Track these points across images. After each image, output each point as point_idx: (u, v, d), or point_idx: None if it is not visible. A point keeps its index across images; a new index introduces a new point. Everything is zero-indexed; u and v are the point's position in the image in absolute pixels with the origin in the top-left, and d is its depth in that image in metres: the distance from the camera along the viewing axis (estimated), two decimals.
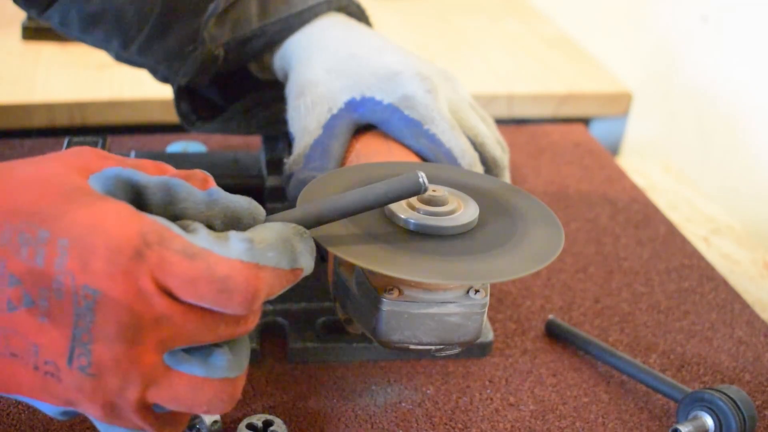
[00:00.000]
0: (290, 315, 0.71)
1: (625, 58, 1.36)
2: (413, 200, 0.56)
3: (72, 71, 1.16)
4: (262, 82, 0.81)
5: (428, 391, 0.67)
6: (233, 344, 0.48)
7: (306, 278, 0.72)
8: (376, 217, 0.56)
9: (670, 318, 0.78)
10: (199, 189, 0.49)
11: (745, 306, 0.80)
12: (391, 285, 0.55)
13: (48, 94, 1.10)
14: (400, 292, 0.55)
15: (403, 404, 0.66)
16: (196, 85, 0.81)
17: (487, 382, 0.69)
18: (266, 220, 0.50)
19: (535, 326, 0.75)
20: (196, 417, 0.60)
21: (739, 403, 0.62)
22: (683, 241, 0.90)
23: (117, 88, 1.12)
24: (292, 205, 0.65)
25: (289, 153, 0.76)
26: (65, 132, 1.05)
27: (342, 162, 0.68)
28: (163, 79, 0.79)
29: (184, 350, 0.46)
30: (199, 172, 0.50)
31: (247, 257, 0.45)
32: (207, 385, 0.46)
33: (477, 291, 0.56)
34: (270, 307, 0.72)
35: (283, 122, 0.74)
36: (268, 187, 0.76)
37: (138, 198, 0.48)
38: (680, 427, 0.62)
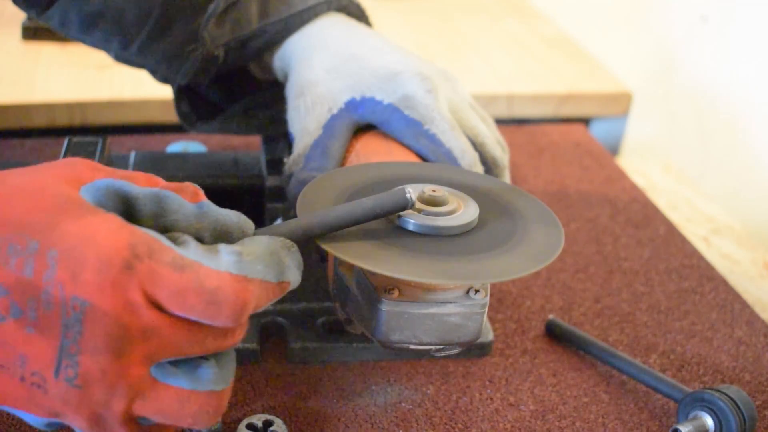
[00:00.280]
0: (290, 315, 0.71)
1: (625, 58, 1.36)
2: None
3: (72, 71, 1.16)
4: (262, 82, 0.81)
5: (428, 391, 0.67)
6: (220, 357, 0.48)
7: (306, 278, 0.72)
8: None
9: (670, 318, 0.78)
10: (189, 202, 0.49)
11: (745, 306, 0.80)
12: (391, 285, 0.55)
13: (48, 94, 1.10)
14: (400, 292, 0.55)
15: (403, 404, 0.66)
16: (196, 86, 0.81)
17: (487, 382, 0.69)
18: (254, 234, 0.50)
19: (535, 326, 0.75)
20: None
21: (739, 403, 0.62)
22: (683, 241, 0.90)
23: (117, 88, 1.12)
24: (292, 206, 0.66)
25: (289, 153, 0.76)
26: (65, 132, 1.05)
27: (342, 162, 0.68)
28: (163, 79, 0.79)
29: (170, 363, 0.46)
30: (189, 185, 0.50)
31: (236, 270, 0.45)
32: (193, 397, 0.46)
33: (477, 291, 0.56)
34: (270, 307, 0.72)
35: (283, 122, 0.74)
36: (268, 187, 0.76)
37: (129, 210, 0.48)
38: (680, 427, 0.62)
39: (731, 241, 0.96)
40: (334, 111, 0.68)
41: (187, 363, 0.47)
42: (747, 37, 1.12)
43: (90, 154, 0.73)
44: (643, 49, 1.34)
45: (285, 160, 0.71)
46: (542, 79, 1.24)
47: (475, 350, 0.71)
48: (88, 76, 1.15)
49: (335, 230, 0.53)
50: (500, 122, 0.83)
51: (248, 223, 0.50)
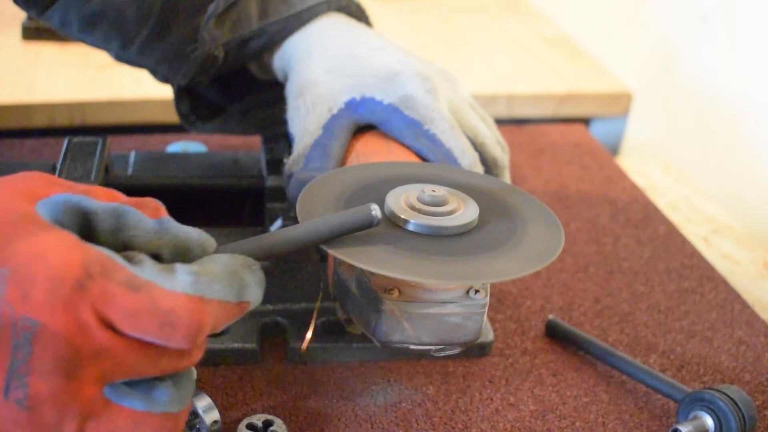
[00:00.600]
0: (290, 315, 0.71)
1: (625, 58, 1.36)
2: (413, 200, 0.56)
3: (72, 71, 1.16)
4: (262, 82, 0.81)
5: (428, 391, 0.67)
6: (177, 378, 0.47)
7: (306, 278, 0.72)
8: None
9: (670, 318, 0.78)
10: (150, 217, 0.48)
11: (745, 306, 0.80)
12: (391, 285, 0.55)
13: (48, 94, 1.10)
14: (400, 292, 0.55)
15: (403, 404, 0.66)
16: (196, 86, 0.81)
17: (487, 382, 0.69)
18: (217, 251, 0.49)
19: (535, 326, 0.75)
20: (195, 417, 0.60)
21: (739, 403, 0.62)
22: (683, 241, 0.90)
23: (117, 88, 1.12)
24: (292, 206, 0.66)
25: (289, 153, 0.76)
26: (65, 132, 1.05)
27: (342, 162, 0.68)
28: (163, 79, 0.79)
29: (125, 383, 0.45)
30: (151, 201, 0.49)
31: (192, 290, 0.44)
32: (148, 419, 0.45)
33: (477, 291, 0.56)
34: (270, 307, 0.72)
35: (282, 122, 0.74)
36: (268, 187, 0.76)
37: (87, 226, 0.47)
38: (680, 427, 0.62)
39: (731, 241, 0.96)
40: (334, 111, 0.68)
41: (143, 383, 0.46)
42: (747, 37, 1.12)
43: (90, 154, 0.73)
44: (643, 49, 1.34)
45: (285, 160, 0.71)
46: (542, 79, 1.24)
47: (475, 350, 0.71)
48: (88, 76, 1.15)
49: (300, 248, 0.52)
50: (500, 122, 0.83)
51: (209, 241, 0.49)
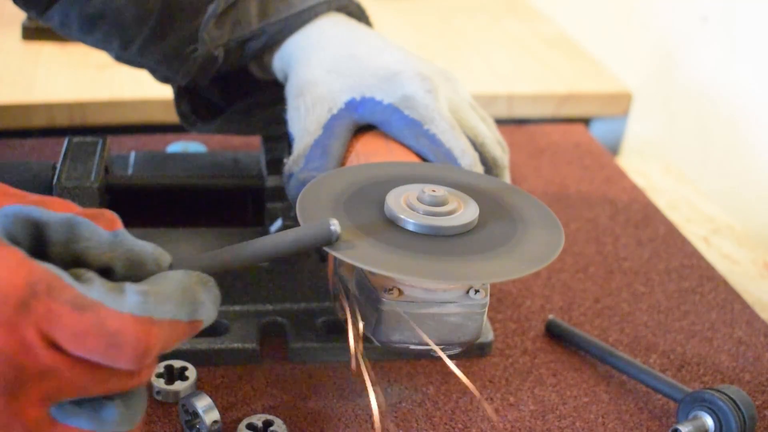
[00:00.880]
0: (290, 315, 0.71)
1: (625, 58, 1.36)
2: (413, 200, 0.56)
3: (72, 71, 1.16)
4: (262, 82, 0.81)
5: (428, 391, 0.67)
6: (126, 396, 0.46)
7: (306, 278, 0.72)
8: (375, 217, 0.56)
9: (670, 318, 0.78)
10: (104, 229, 0.47)
11: (745, 306, 0.80)
12: (391, 285, 0.55)
13: (48, 94, 1.10)
14: (400, 292, 0.55)
15: (403, 404, 0.66)
16: (196, 86, 0.81)
17: (487, 382, 0.69)
18: (173, 266, 0.48)
19: (535, 326, 0.75)
20: (195, 417, 0.60)
21: (739, 403, 0.62)
22: (683, 241, 0.90)
23: (117, 88, 1.12)
24: (292, 205, 0.66)
25: (289, 153, 0.76)
26: (65, 132, 1.05)
27: (342, 162, 0.68)
28: (163, 79, 0.79)
29: (72, 402, 0.44)
30: (107, 212, 0.48)
31: (140, 311, 0.43)
32: None
33: (477, 291, 0.56)
34: (270, 307, 0.72)
35: (283, 122, 0.74)
36: (268, 187, 0.76)
37: (38, 237, 0.46)
38: (680, 427, 0.62)
39: (731, 241, 0.96)
40: (334, 111, 0.68)
41: (91, 402, 0.45)
42: (747, 37, 1.12)
43: (90, 154, 0.73)
44: (643, 49, 1.34)
45: (285, 160, 0.71)
46: (542, 79, 1.24)
47: (475, 350, 0.71)
48: (88, 76, 1.15)
49: (255, 263, 0.51)
50: (500, 122, 0.83)
51: (164, 255, 0.48)
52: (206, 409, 0.60)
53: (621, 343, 0.74)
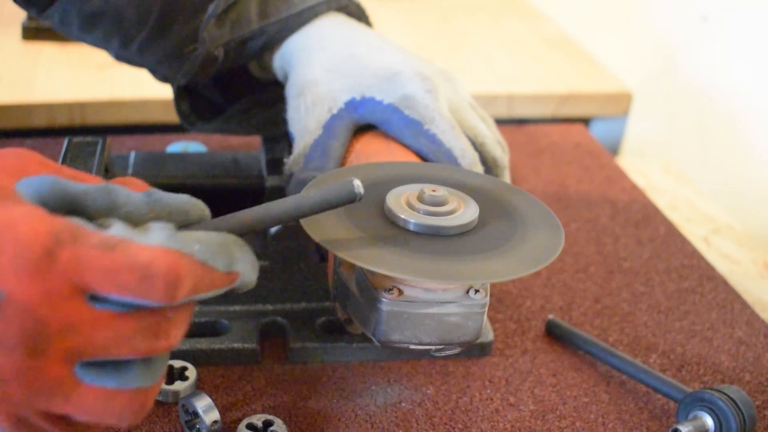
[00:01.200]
0: (290, 315, 0.71)
1: (625, 58, 1.36)
2: (413, 200, 0.56)
3: (72, 71, 1.16)
4: (263, 82, 0.81)
5: (428, 391, 0.67)
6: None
7: (306, 278, 0.72)
8: (375, 217, 0.56)
9: (670, 318, 0.78)
10: (136, 192, 0.48)
11: (745, 306, 0.80)
12: (391, 285, 0.55)
13: (48, 94, 1.10)
14: (400, 292, 0.55)
15: (403, 404, 0.66)
16: (196, 85, 0.81)
17: (487, 382, 0.69)
18: (206, 225, 0.49)
19: (535, 326, 0.75)
20: (195, 417, 0.60)
21: (739, 403, 0.62)
22: (683, 241, 0.90)
23: (117, 88, 1.12)
24: None
25: (289, 153, 0.76)
26: (65, 132, 1.05)
27: (342, 162, 0.68)
28: (163, 78, 0.79)
29: (96, 363, 0.44)
30: (133, 179, 0.49)
31: (168, 243, 0.44)
32: (119, 396, 0.44)
33: (477, 291, 0.56)
34: (270, 307, 0.72)
35: (283, 122, 0.74)
36: (268, 187, 0.76)
37: (76, 209, 0.46)
38: (680, 427, 0.62)
39: (731, 241, 0.96)
40: (334, 111, 0.68)
41: (113, 362, 0.44)
42: (747, 37, 1.12)
43: (90, 154, 0.73)
44: (643, 49, 1.34)
45: (285, 160, 0.71)
46: (542, 79, 1.24)
47: (475, 350, 0.71)
48: (88, 76, 1.15)
49: (280, 223, 0.51)
50: (500, 122, 0.83)
51: (200, 203, 0.50)
52: (206, 409, 0.60)
53: (621, 343, 0.74)
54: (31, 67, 1.17)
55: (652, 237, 0.90)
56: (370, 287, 0.55)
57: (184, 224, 0.49)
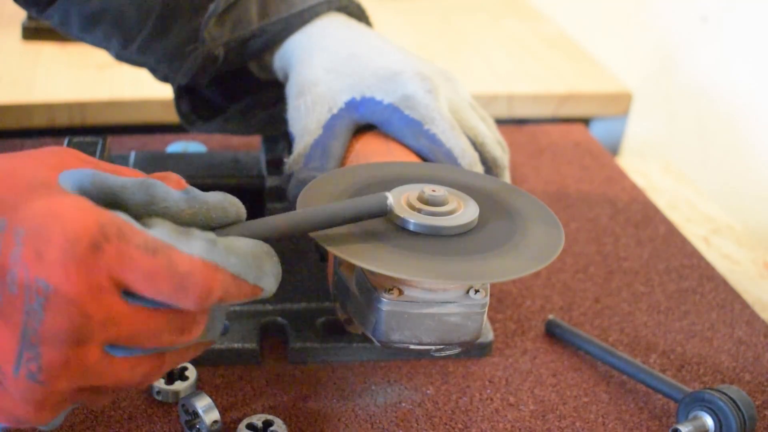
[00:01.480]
0: (290, 315, 0.71)
1: (625, 58, 1.36)
2: (413, 200, 0.56)
3: (72, 71, 1.16)
4: (263, 82, 0.81)
5: (428, 391, 0.67)
6: None
7: (306, 278, 0.72)
8: None
9: (670, 318, 0.78)
10: (174, 189, 0.48)
11: (745, 306, 0.80)
12: (391, 285, 0.55)
13: (48, 94, 1.10)
14: (400, 292, 0.55)
15: (403, 404, 0.66)
16: (196, 85, 0.81)
17: (487, 382, 0.69)
18: (243, 228, 0.50)
19: (535, 326, 0.75)
20: (195, 417, 0.60)
21: (739, 403, 0.62)
22: (683, 241, 0.90)
23: (117, 88, 1.12)
24: (292, 206, 0.66)
25: (289, 153, 0.76)
26: (65, 132, 1.05)
27: (342, 162, 0.68)
28: (163, 78, 0.79)
29: None
30: (172, 174, 0.49)
31: (208, 255, 0.45)
32: (144, 361, 0.47)
33: (477, 291, 0.56)
34: (270, 307, 0.72)
35: (283, 122, 0.74)
36: (268, 187, 0.76)
37: (115, 203, 0.47)
38: (680, 427, 0.62)
39: (731, 241, 0.96)
40: (335, 111, 0.68)
41: None
42: (747, 37, 1.12)
43: (90, 154, 0.73)
44: (643, 49, 1.34)
45: (285, 160, 0.71)
46: (542, 79, 1.24)
47: (475, 350, 0.71)
48: (88, 76, 1.15)
49: (311, 231, 0.52)
50: (500, 122, 0.83)
51: (236, 200, 0.50)
52: (206, 409, 0.60)
53: (621, 343, 0.74)
54: (31, 67, 1.17)
55: (652, 237, 0.90)
56: (370, 287, 0.55)
57: (222, 223, 0.50)
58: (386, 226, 0.55)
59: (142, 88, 1.11)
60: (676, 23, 1.27)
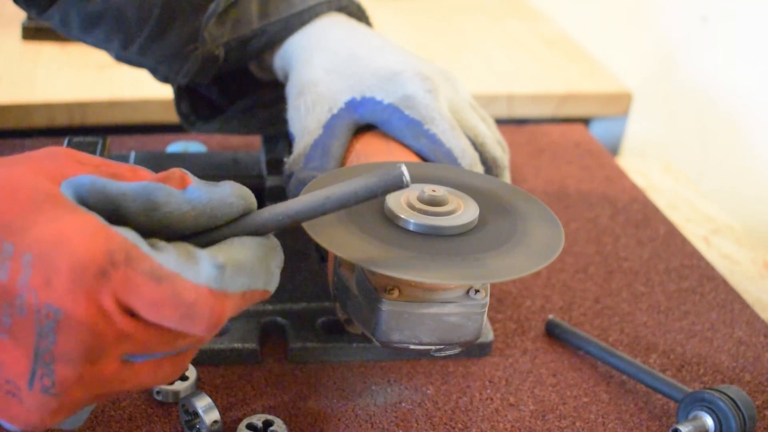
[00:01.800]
0: (290, 315, 0.71)
1: (625, 58, 1.36)
2: (413, 200, 0.56)
3: (72, 71, 1.16)
4: (263, 82, 0.81)
5: (428, 391, 0.67)
6: None
7: (306, 278, 0.72)
8: (376, 217, 0.56)
9: (670, 318, 0.78)
10: (178, 189, 0.47)
11: (745, 306, 0.80)
12: (391, 285, 0.55)
13: (48, 94, 1.10)
14: (400, 292, 0.55)
15: (403, 404, 0.66)
16: (197, 85, 0.81)
17: (487, 382, 0.69)
18: (252, 219, 0.49)
19: (535, 326, 0.75)
20: (195, 417, 0.60)
21: (739, 403, 0.62)
22: (683, 241, 0.90)
23: (117, 88, 1.12)
24: None
25: (289, 153, 0.76)
26: (65, 132, 1.05)
27: (342, 162, 0.68)
28: (164, 78, 0.79)
29: None
30: (176, 171, 0.48)
31: (216, 284, 0.44)
32: (166, 362, 0.47)
33: (477, 291, 0.56)
34: (270, 307, 0.72)
35: (283, 122, 0.74)
36: (268, 187, 0.76)
37: (115, 207, 0.46)
38: (680, 427, 0.62)
39: (731, 241, 0.96)
40: (335, 111, 0.68)
41: None
42: (747, 37, 1.12)
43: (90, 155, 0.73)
44: (643, 49, 1.34)
45: (285, 160, 0.71)
46: (542, 79, 1.24)
47: (475, 350, 0.71)
48: (88, 76, 1.15)
49: (334, 211, 0.49)
50: (500, 122, 0.83)
51: (243, 190, 0.49)
52: (206, 409, 0.60)
53: (621, 343, 0.74)
54: (31, 67, 1.17)
55: (652, 237, 0.90)
56: (370, 287, 0.55)
57: (229, 219, 0.49)
58: (386, 226, 0.55)
59: (142, 88, 1.11)
60: (676, 23, 1.27)
